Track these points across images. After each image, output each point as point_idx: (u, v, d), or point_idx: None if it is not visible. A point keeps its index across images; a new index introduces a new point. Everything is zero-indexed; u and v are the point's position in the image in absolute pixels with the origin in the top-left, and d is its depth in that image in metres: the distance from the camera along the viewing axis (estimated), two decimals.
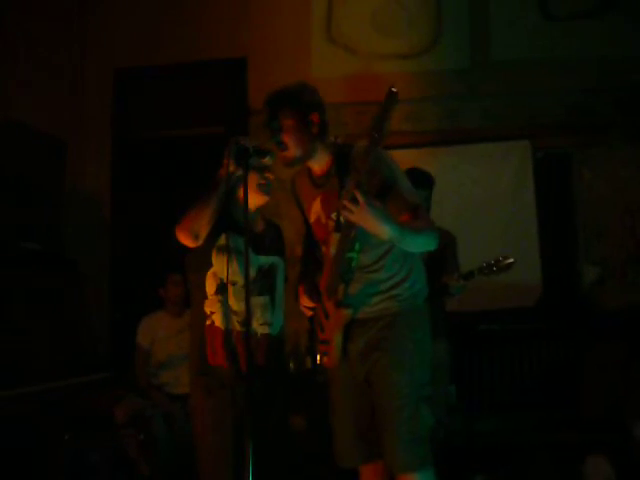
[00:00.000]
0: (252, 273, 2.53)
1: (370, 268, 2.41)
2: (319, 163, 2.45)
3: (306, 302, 2.52)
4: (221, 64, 5.44)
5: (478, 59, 5.20)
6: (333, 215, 2.38)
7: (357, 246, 2.35)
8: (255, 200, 2.57)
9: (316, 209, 2.50)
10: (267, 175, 2.57)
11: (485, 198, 5.00)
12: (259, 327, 2.53)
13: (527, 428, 4.45)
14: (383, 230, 2.16)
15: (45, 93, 5.23)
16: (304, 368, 4.83)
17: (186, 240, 2.44)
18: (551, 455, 4.01)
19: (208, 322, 2.50)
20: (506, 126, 5.10)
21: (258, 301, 2.54)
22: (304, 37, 5.37)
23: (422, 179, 3.57)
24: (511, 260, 3.23)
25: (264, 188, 2.58)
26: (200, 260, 2.53)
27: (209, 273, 2.52)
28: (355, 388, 2.46)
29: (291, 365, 4.62)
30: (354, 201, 2.12)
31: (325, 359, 2.46)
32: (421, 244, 2.34)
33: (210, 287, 2.52)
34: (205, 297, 2.53)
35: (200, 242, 2.44)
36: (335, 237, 2.36)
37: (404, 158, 4.79)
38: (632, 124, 5.11)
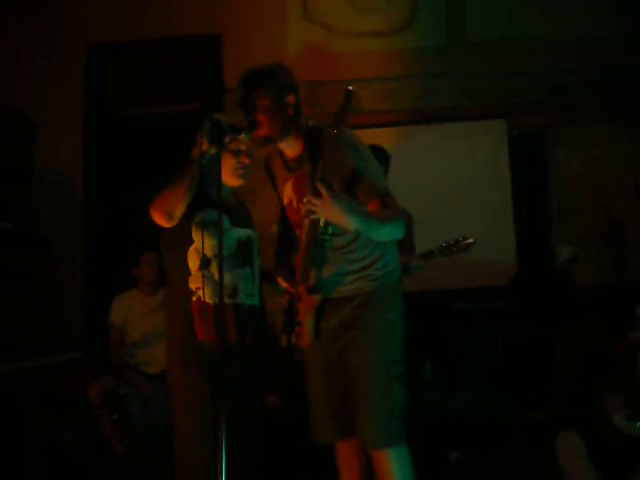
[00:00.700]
0: (233, 246, 2.55)
1: (344, 249, 2.43)
2: (291, 146, 2.45)
3: (282, 284, 2.53)
4: (196, 40, 5.35)
5: (455, 38, 5.19)
6: (305, 200, 2.37)
7: (330, 229, 2.36)
8: (230, 181, 2.59)
9: (288, 192, 2.52)
10: (243, 160, 2.57)
11: (461, 176, 5.01)
12: (246, 298, 2.55)
13: (501, 405, 4.50)
14: (348, 222, 2.22)
15: (16, 70, 5.13)
16: (280, 346, 4.84)
17: (160, 220, 2.42)
18: (525, 431, 4.06)
19: (195, 298, 2.49)
20: (483, 105, 5.11)
21: (242, 273, 2.56)
22: (280, 14, 5.30)
23: (377, 155, 3.57)
24: (471, 240, 3.26)
25: (240, 173, 2.59)
26: (178, 238, 2.52)
27: (191, 249, 2.51)
28: (329, 366, 2.48)
29: (285, 340, 4.60)
30: (317, 194, 2.17)
31: (299, 340, 2.47)
32: (388, 233, 2.37)
33: (193, 263, 2.51)
34: (188, 274, 2.51)
35: (175, 221, 2.43)
36: (306, 222, 2.37)
37: (381, 136, 4.81)
38: (607, 104, 5.14)
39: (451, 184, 4.97)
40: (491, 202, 4.99)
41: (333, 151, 2.23)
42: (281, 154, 2.52)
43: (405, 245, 3.53)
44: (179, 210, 2.40)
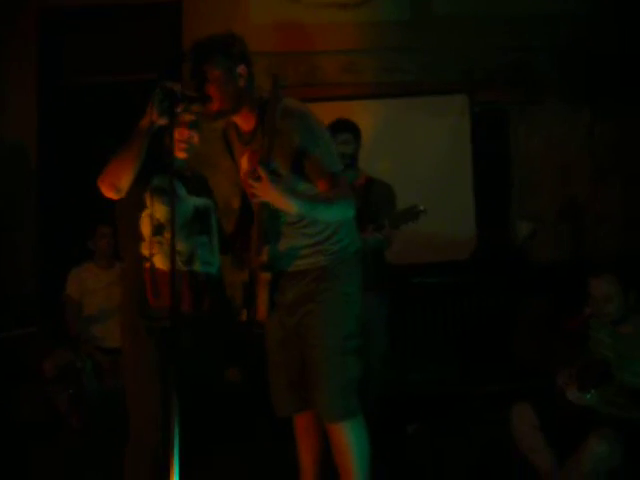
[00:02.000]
0: (189, 214, 2.53)
1: (299, 224, 2.40)
2: (245, 119, 2.39)
3: (243, 257, 2.51)
4: (155, 7, 5.21)
5: (418, 12, 5.14)
6: (248, 182, 2.34)
7: None
8: (184, 136, 2.55)
9: (244, 165, 2.47)
10: (190, 133, 2.52)
11: (422, 151, 5.00)
12: (201, 266, 2.53)
13: (459, 378, 4.55)
14: (288, 205, 2.21)
15: None
16: (241, 320, 4.82)
17: (108, 193, 2.39)
18: (482, 404, 4.11)
19: (147, 264, 2.46)
20: (444, 80, 5.09)
21: (199, 240, 2.54)
22: None
23: (344, 125, 3.55)
24: (422, 208, 3.25)
25: (183, 147, 2.55)
26: (133, 205, 2.47)
27: (143, 215, 2.47)
28: (286, 340, 2.47)
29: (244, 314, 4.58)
30: (257, 177, 2.16)
31: (257, 313, 2.45)
32: (334, 215, 2.35)
33: (146, 229, 2.47)
34: (141, 240, 2.47)
35: (122, 194, 2.39)
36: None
37: (342, 110, 4.76)
38: (568, 82, 5.18)
39: (412, 159, 4.96)
40: (452, 177, 5.00)
41: (280, 127, 2.21)
42: (236, 127, 2.47)
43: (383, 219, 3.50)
44: (126, 182, 2.35)
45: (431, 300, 4.79)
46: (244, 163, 2.46)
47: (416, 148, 5.00)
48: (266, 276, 2.37)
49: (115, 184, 2.35)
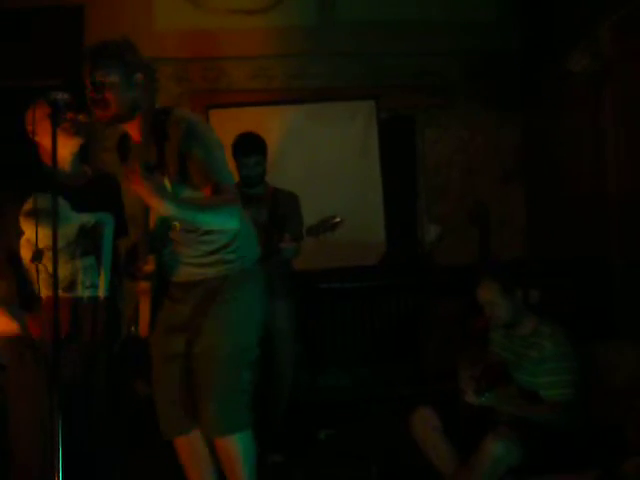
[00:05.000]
0: (73, 233, 2.40)
1: (197, 232, 2.34)
2: (137, 127, 2.34)
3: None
4: (56, 11, 5.05)
5: (324, 17, 5.19)
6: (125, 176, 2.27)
7: None
8: (67, 146, 2.41)
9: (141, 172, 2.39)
10: (71, 117, 2.34)
11: (331, 157, 5.03)
12: (85, 290, 2.42)
13: (370, 383, 4.59)
14: (159, 205, 2.10)
15: None
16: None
17: None
18: (392, 408, 4.15)
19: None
20: (352, 86, 5.15)
21: (82, 263, 2.42)
22: None
23: (251, 146, 3.53)
24: (338, 219, 3.26)
25: (72, 129, 2.39)
26: (8, 228, 2.37)
27: (22, 241, 2.36)
28: (173, 356, 2.39)
29: (132, 329, 4.48)
30: (132, 172, 2.08)
31: (139, 328, 2.40)
32: (213, 220, 2.28)
33: (26, 255, 2.37)
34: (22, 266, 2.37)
35: None
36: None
37: (251, 116, 4.74)
38: (474, 87, 5.31)
39: (321, 165, 4.98)
40: (361, 183, 5.05)
41: (170, 134, 2.19)
42: (128, 136, 2.41)
43: (292, 228, 3.49)
44: None
45: (341, 305, 4.80)
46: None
47: (325, 153, 5.02)
48: (146, 293, 2.32)
49: None
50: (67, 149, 2.43)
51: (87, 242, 2.44)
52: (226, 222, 2.30)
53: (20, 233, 2.36)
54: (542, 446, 2.71)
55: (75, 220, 2.42)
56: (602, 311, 4.17)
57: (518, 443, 2.68)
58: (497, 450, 2.66)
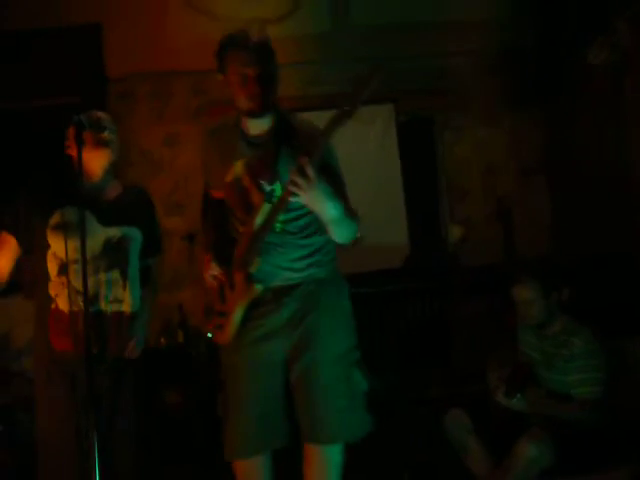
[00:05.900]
0: (98, 247, 2.40)
1: (299, 234, 2.30)
2: (260, 123, 2.31)
3: (214, 270, 2.33)
4: (75, 30, 5.11)
5: (339, 23, 5.19)
6: (264, 184, 2.24)
7: (282, 216, 2.24)
8: (97, 159, 2.44)
9: (237, 170, 2.32)
10: (103, 135, 2.42)
11: (351, 162, 4.96)
12: (108, 305, 2.40)
13: (398, 386, 4.56)
14: (328, 208, 2.08)
15: None
16: (176, 343, 4.74)
17: None
18: (420, 411, 4.13)
19: (53, 305, 2.38)
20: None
21: (106, 277, 2.40)
22: (161, 2, 5.13)
23: None
24: (357, 235, 3.24)
25: (102, 142, 2.42)
26: (32, 243, 2.42)
27: (49, 254, 2.39)
28: (268, 364, 2.30)
29: (162, 340, 4.53)
30: (304, 175, 2.00)
31: (218, 333, 2.31)
32: (349, 233, 2.25)
33: (52, 269, 2.39)
34: (48, 280, 2.39)
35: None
36: (265, 207, 2.22)
37: None
38: (491, 86, 5.28)
39: (342, 170, 4.96)
40: (382, 187, 5.05)
41: (325, 137, 2.08)
42: (240, 128, 2.34)
43: None
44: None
45: (367, 309, 4.79)
46: (238, 167, 2.32)
47: (345, 159, 4.97)
48: (250, 291, 2.24)
49: None
50: (97, 162, 2.45)
51: (112, 256, 2.43)
52: (353, 233, 2.27)
53: (47, 247, 2.39)
54: (573, 445, 2.69)
55: (101, 233, 2.42)
56: (630, 307, 4.11)
57: (550, 445, 2.67)
58: (531, 452, 2.65)
